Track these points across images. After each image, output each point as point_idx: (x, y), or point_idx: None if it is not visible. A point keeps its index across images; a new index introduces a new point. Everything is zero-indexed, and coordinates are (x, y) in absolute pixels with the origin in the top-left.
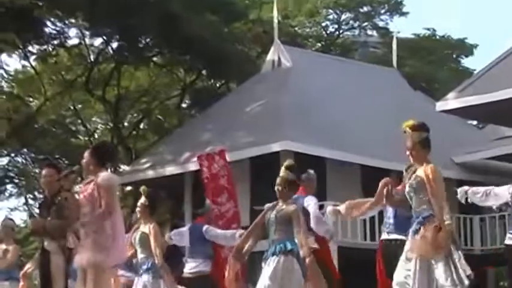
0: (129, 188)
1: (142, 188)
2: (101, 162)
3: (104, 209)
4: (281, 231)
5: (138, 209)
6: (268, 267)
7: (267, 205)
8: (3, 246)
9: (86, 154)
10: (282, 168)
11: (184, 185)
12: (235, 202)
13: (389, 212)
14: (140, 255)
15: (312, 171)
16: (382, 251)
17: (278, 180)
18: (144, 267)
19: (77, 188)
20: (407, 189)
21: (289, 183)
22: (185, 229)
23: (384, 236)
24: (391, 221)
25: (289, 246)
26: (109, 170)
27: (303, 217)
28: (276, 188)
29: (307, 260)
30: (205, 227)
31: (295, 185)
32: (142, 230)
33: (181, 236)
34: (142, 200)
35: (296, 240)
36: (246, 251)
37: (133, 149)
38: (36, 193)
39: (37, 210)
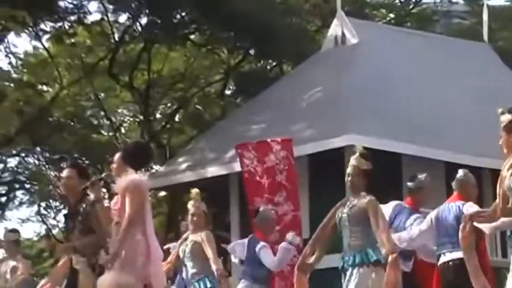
0: (163, 193)
1: (194, 191)
2: (135, 167)
3: (127, 219)
4: (358, 233)
5: (193, 217)
6: (350, 285)
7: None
8: (12, 263)
9: (117, 157)
10: (354, 156)
11: (230, 189)
12: (296, 205)
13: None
14: (191, 270)
15: (423, 176)
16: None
17: (349, 169)
18: (197, 285)
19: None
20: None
21: (363, 173)
22: (245, 241)
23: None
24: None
25: (372, 256)
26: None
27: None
28: (346, 179)
29: (389, 259)
30: (259, 246)
31: (368, 176)
32: (193, 239)
33: (239, 248)
34: (198, 205)
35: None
36: (315, 260)
37: (167, 146)
38: (51, 201)
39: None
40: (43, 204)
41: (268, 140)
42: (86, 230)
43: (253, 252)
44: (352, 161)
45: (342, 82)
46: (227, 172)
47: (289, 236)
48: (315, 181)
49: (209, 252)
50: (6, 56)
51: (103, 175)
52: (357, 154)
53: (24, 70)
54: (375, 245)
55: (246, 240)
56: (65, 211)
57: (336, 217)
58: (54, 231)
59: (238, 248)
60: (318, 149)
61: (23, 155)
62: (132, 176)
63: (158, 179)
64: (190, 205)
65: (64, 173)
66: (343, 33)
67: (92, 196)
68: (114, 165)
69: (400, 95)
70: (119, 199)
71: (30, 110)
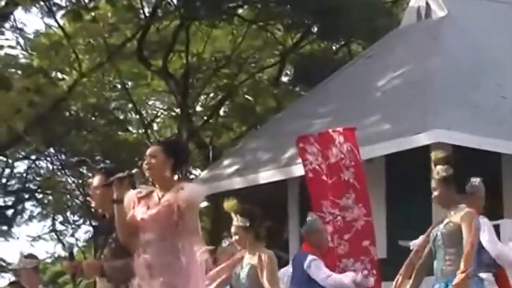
0: (204, 203)
1: (229, 203)
2: (176, 166)
3: (194, 239)
4: (453, 255)
5: (235, 236)
6: None
7: (415, 242)
8: None
9: (155, 151)
10: (437, 165)
11: (288, 197)
12: (368, 208)
13: None
14: None
15: (477, 180)
16: None
17: (433, 183)
18: None
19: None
20: None
21: (445, 181)
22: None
23: None
24: None
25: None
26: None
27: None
28: (433, 193)
29: (455, 278)
30: (308, 259)
31: (454, 180)
32: (249, 263)
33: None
34: (239, 220)
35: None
36: None
37: (210, 146)
38: (68, 214)
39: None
40: (58, 218)
41: (330, 130)
42: (119, 251)
43: (301, 269)
44: (434, 173)
45: (426, 65)
46: (284, 177)
47: (359, 276)
48: (394, 187)
49: (265, 282)
50: (13, 36)
51: (133, 171)
52: (436, 160)
53: (35, 54)
54: (477, 272)
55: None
56: (85, 226)
57: (431, 236)
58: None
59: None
60: (397, 148)
61: (33, 157)
62: (194, 184)
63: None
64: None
65: (95, 181)
66: (427, 5)
67: (114, 195)
68: (152, 161)
69: (498, 80)
70: (167, 207)
71: (42, 103)
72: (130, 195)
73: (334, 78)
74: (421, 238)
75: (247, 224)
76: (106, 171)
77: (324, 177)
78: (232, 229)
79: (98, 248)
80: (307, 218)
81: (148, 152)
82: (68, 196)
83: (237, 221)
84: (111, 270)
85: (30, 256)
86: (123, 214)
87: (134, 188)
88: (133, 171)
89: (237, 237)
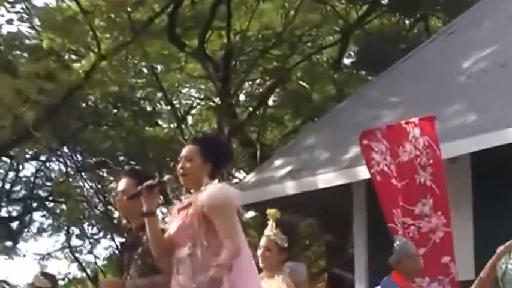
0: (251, 213)
1: (274, 213)
2: (215, 170)
3: (229, 253)
4: None
5: (265, 251)
6: None
7: None
8: None
9: (190, 153)
10: None
11: (353, 206)
12: (448, 217)
13: None
14: None
15: None
16: None
17: None
18: None
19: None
20: None
21: None
22: None
23: None
24: None
25: None
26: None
27: None
28: None
29: None
30: None
31: None
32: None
33: None
34: (278, 236)
35: None
36: None
37: (257, 144)
38: (85, 226)
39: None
40: (73, 231)
41: (402, 122)
42: (147, 269)
43: None
44: None
45: None
46: (348, 180)
47: None
48: (482, 193)
49: None
50: (18, 12)
51: (165, 178)
52: None
53: (44, 32)
54: None
55: None
56: (106, 241)
57: (498, 269)
58: (89, 271)
59: None
60: (485, 145)
61: (43, 158)
62: (222, 185)
63: (244, 192)
64: (266, 231)
65: (121, 184)
66: None
67: (144, 207)
68: (187, 165)
69: None
70: (188, 218)
71: (53, 91)
72: (173, 209)
73: (408, 59)
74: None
75: (285, 245)
76: (133, 173)
77: (394, 181)
78: (264, 241)
79: (123, 268)
80: (395, 243)
81: (182, 153)
82: (85, 204)
83: (274, 235)
84: None
85: (47, 276)
86: (156, 229)
87: (166, 197)
88: (165, 178)
89: (268, 253)
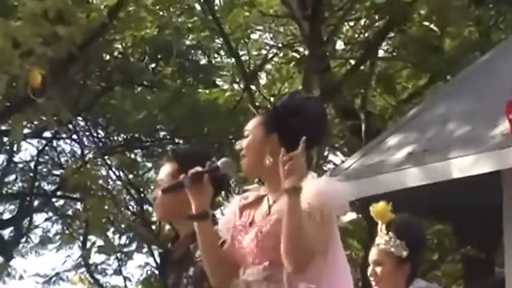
0: (351, 215)
1: (378, 209)
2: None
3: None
4: None
5: (376, 266)
6: None
7: None
8: None
9: (254, 128)
10: None
11: (503, 204)
12: None
13: None
14: None
15: None
16: None
17: None
18: None
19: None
20: None
21: None
22: None
23: None
24: None
25: None
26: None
27: None
28: None
29: None
30: None
31: None
32: None
33: None
34: (391, 242)
35: None
36: None
37: (362, 114)
38: (110, 234)
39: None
40: (93, 241)
41: None
42: None
43: None
44: None
45: None
46: (496, 168)
47: None
48: None
49: None
50: None
51: (219, 162)
52: None
53: None
54: None
55: None
56: (141, 256)
57: None
58: None
59: None
60: None
61: (48, 134)
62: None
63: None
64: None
65: (161, 173)
66: None
67: (192, 206)
68: (250, 143)
69: None
70: (272, 227)
71: (66, 39)
72: (231, 206)
73: None
74: None
75: (405, 253)
76: (176, 156)
77: None
78: (373, 254)
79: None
80: None
81: (248, 126)
82: (111, 203)
83: (386, 242)
84: None
85: None
86: (211, 239)
87: (222, 190)
88: (220, 161)
89: (380, 269)
